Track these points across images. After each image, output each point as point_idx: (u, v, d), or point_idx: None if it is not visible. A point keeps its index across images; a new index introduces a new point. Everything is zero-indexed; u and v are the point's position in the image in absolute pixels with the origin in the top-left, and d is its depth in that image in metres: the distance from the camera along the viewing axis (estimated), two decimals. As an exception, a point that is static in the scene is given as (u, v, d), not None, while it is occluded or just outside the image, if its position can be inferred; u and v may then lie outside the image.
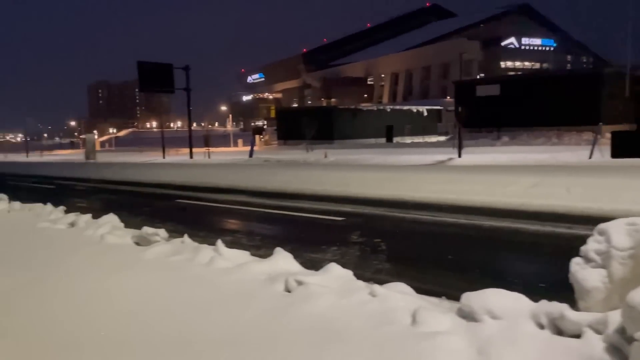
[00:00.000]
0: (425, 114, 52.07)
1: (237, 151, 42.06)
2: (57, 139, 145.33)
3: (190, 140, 33.39)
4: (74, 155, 51.99)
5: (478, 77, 75.55)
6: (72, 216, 7.49)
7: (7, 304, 3.99)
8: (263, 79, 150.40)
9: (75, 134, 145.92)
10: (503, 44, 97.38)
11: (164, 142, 35.83)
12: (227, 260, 4.85)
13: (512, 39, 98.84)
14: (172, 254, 5.19)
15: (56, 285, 4.40)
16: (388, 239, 6.79)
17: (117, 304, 3.85)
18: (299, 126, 39.43)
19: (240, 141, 51.59)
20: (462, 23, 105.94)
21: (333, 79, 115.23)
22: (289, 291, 3.94)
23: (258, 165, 21.33)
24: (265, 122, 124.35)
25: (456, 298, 3.48)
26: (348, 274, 4.19)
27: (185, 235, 5.71)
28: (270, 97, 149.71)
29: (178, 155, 38.29)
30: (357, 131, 42.47)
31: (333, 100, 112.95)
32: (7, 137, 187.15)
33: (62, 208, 8.36)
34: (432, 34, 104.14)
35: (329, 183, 13.20)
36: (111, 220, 6.97)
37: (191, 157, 32.37)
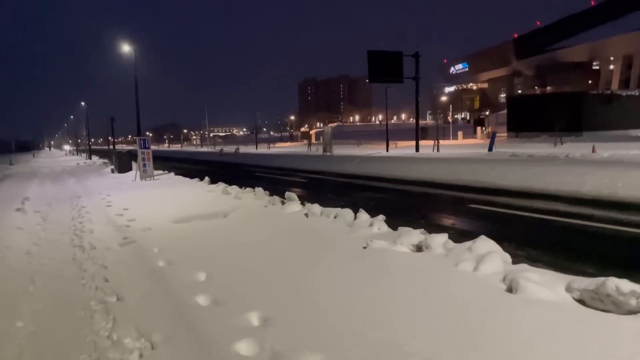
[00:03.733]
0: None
1: (463, 144, 38.75)
2: (272, 133, 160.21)
3: (417, 133, 31.37)
4: (296, 147, 54.80)
5: None
6: (414, 234, 5.26)
7: None
8: (467, 69, 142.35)
9: (288, 127, 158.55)
10: None
11: (374, 135, 34.51)
12: None
13: None
14: None
15: None
16: None
17: None
18: (536, 116, 34.30)
19: (460, 134, 48.04)
20: None
21: (549, 65, 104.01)
22: None
23: (512, 161, 17.42)
24: (468, 114, 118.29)
25: None
26: None
27: None
28: (475, 87, 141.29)
29: (398, 149, 36.65)
30: (613, 121, 35.20)
31: (549, 88, 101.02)
32: (233, 131, 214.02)
33: (381, 217, 6.27)
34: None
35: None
36: (491, 248, 4.54)
37: (417, 150, 30.27)
